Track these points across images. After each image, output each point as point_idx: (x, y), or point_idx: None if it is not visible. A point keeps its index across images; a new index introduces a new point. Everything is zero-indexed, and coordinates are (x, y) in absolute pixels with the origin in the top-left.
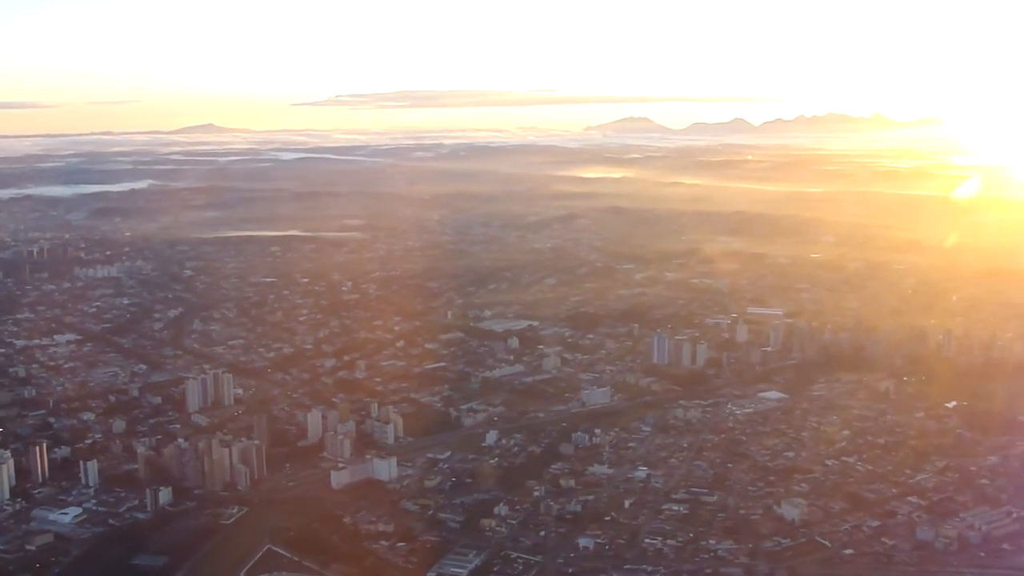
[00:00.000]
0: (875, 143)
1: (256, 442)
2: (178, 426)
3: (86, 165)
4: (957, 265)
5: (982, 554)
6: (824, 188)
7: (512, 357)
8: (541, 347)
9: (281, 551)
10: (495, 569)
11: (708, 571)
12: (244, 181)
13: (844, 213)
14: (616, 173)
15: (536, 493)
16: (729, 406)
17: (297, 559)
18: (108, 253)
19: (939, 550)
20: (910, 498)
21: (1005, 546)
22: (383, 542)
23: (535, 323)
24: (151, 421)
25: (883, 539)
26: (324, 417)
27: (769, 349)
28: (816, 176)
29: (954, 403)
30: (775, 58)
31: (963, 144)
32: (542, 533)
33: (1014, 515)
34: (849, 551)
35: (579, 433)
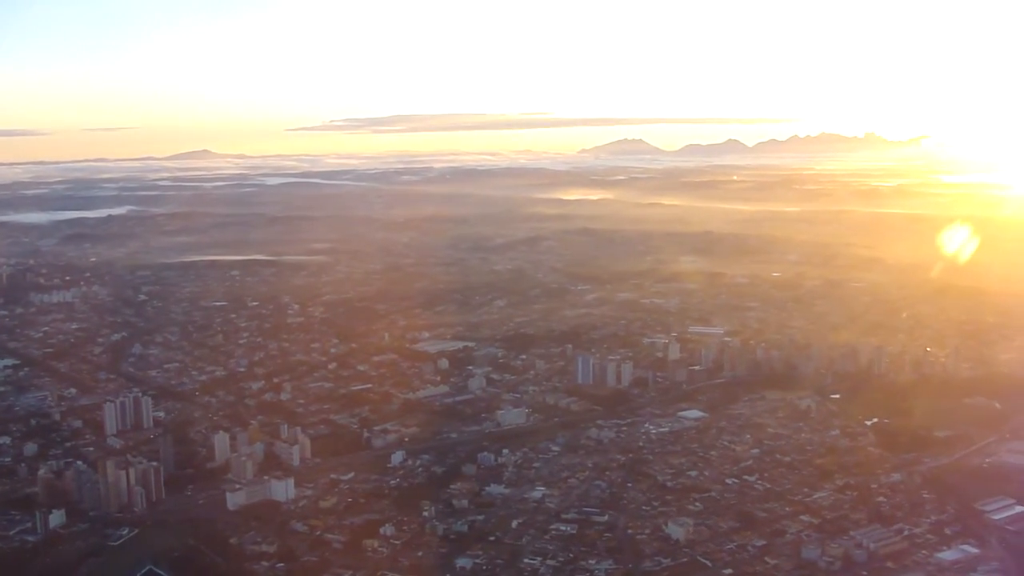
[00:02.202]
0: (865, 162)
1: (154, 464)
2: (92, 449)
3: (71, 192)
4: (915, 283)
5: (864, 572)
6: (801, 207)
7: (439, 378)
8: (470, 368)
9: (160, 572)
10: None
11: None
12: (224, 206)
13: (814, 232)
14: (595, 195)
15: (425, 513)
16: (646, 425)
17: None
18: (67, 278)
19: (822, 569)
20: (803, 516)
21: (889, 564)
22: (263, 563)
23: (471, 344)
24: (67, 444)
25: (766, 558)
26: (233, 439)
27: (698, 368)
28: (796, 195)
29: (874, 420)
30: (772, 80)
31: (954, 163)
32: (419, 553)
33: (905, 532)
34: (728, 571)
35: (485, 453)
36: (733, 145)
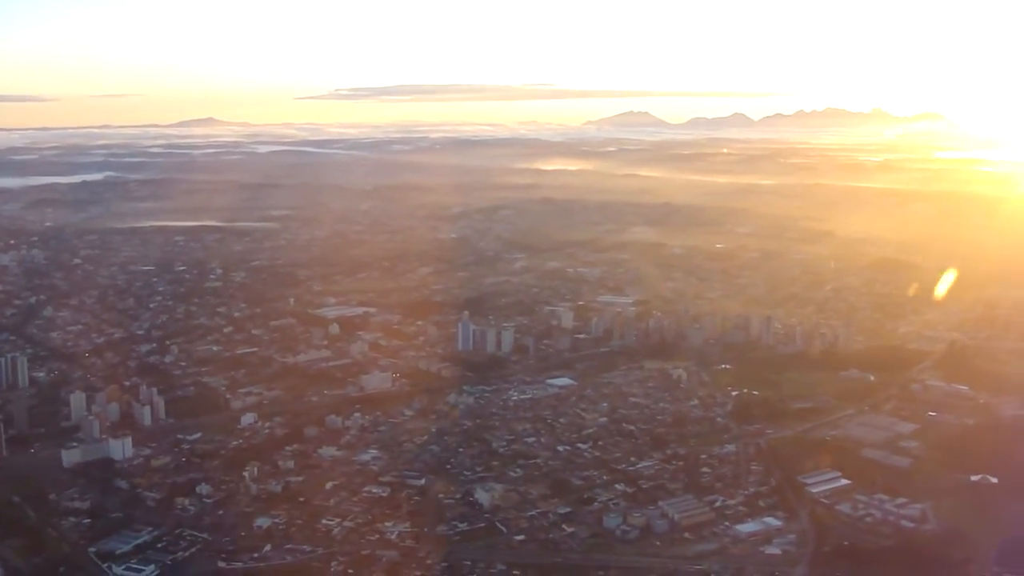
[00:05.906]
0: (867, 137)
1: None
2: None
3: (59, 158)
4: (854, 256)
5: (658, 543)
6: (777, 180)
7: (325, 343)
8: (360, 333)
9: None
10: (159, 546)
11: (366, 552)
12: (202, 173)
13: (778, 205)
14: (576, 166)
15: (245, 473)
16: (510, 392)
17: None
18: (12, 242)
19: (617, 537)
20: (618, 485)
21: (687, 535)
22: (71, 518)
23: (371, 310)
24: None
25: (564, 526)
26: (90, 398)
27: (584, 336)
28: (778, 169)
29: (742, 391)
30: (781, 53)
31: (957, 139)
32: (220, 512)
33: (717, 503)
34: (520, 537)
35: (332, 416)
36: (739, 119)
